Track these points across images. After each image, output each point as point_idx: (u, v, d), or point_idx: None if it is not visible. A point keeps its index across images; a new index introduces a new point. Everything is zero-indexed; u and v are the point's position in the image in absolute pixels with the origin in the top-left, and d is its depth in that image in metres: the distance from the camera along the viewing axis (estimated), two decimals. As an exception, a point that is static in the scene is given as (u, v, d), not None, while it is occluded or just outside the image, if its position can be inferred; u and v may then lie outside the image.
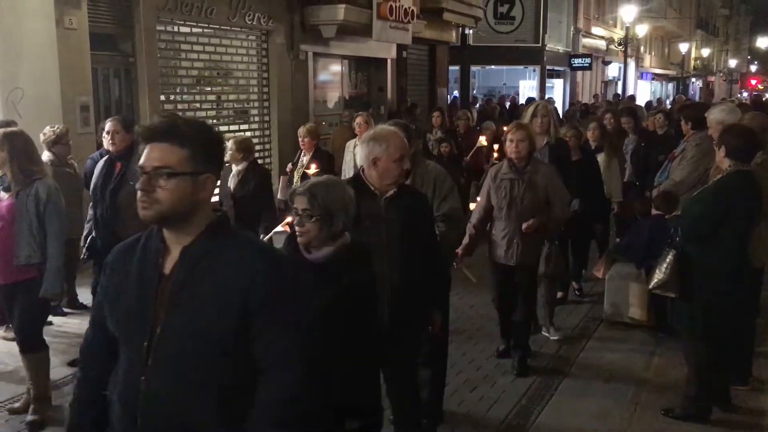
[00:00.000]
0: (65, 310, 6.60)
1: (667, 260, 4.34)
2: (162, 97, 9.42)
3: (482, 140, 8.66)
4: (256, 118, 11.55)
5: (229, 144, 6.16)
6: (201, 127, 2.06)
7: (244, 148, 6.29)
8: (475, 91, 24.90)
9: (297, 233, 2.77)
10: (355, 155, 7.58)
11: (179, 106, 9.95)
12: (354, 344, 2.71)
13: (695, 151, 5.62)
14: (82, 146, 7.47)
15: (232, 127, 10.97)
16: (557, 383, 5.09)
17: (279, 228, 5.08)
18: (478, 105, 19.23)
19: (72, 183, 6.55)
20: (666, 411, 4.60)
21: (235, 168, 6.27)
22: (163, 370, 1.95)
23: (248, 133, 11.24)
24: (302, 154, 7.47)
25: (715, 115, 5.40)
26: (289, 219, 4.90)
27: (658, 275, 4.39)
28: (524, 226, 4.96)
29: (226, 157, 5.97)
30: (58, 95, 7.59)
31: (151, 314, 1.96)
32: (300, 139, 7.44)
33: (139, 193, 1.94)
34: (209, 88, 10.62)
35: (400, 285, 3.44)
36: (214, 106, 10.71)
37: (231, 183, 6.22)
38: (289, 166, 7.73)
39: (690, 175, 5.55)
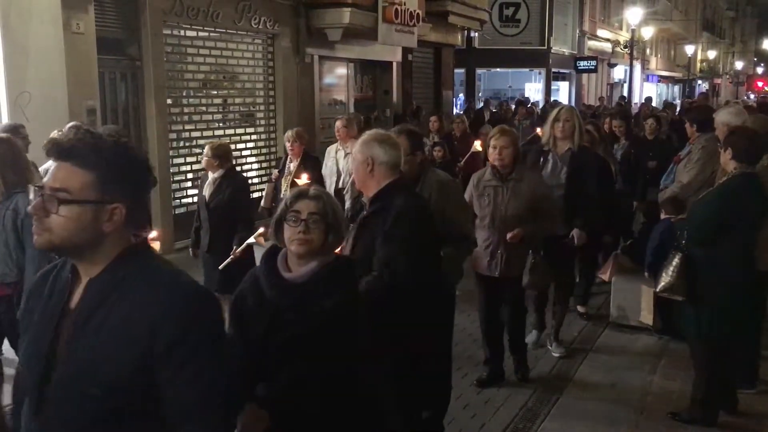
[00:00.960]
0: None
1: (674, 263, 4.34)
2: (168, 101, 9.45)
3: (477, 145, 8.33)
4: (262, 122, 11.58)
5: (205, 150, 5.88)
6: (116, 147, 1.71)
7: (221, 154, 5.87)
8: (480, 94, 24.90)
9: (298, 241, 2.48)
10: (338, 161, 7.52)
11: (185, 110, 9.98)
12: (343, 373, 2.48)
13: (701, 154, 5.61)
14: (89, 150, 7.50)
15: (238, 131, 11.01)
16: (563, 387, 5.08)
17: (251, 239, 4.90)
18: (493, 107, 19.04)
19: (285, 160, 7.06)
20: (673, 414, 4.59)
21: (210, 175, 5.93)
22: (55, 424, 1.69)
23: (254, 137, 11.30)
24: (289, 160, 7.07)
25: (722, 117, 5.40)
26: (261, 230, 4.70)
27: (665, 278, 4.38)
28: (509, 236, 4.70)
29: (202, 164, 5.76)
30: (65, 99, 7.62)
31: (44, 354, 1.70)
32: (287, 144, 7.02)
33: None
34: (215, 92, 10.65)
35: None
36: (221, 110, 10.74)
37: (206, 191, 5.87)
38: (275, 172, 7.31)
39: (696, 178, 5.54)
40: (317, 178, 6.70)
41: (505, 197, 4.79)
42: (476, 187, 4.94)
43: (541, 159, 5.44)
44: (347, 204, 7.15)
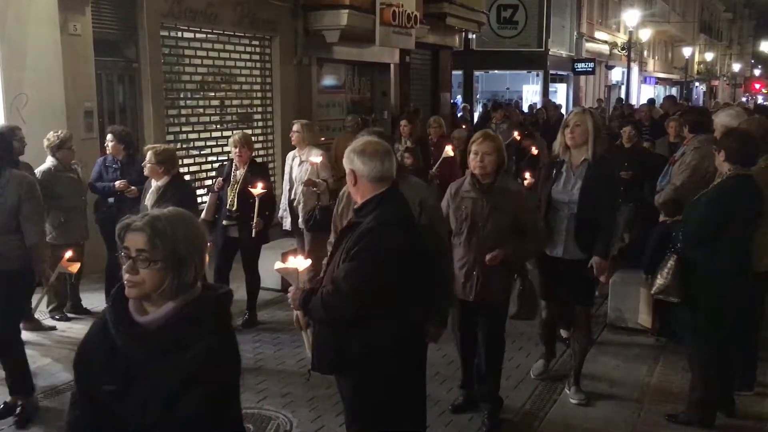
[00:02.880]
0: (69, 315, 6.62)
1: (669, 265, 4.34)
2: (166, 103, 9.44)
3: (448, 150, 7.66)
4: (260, 123, 11.57)
5: (147, 156, 5.47)
6: None
7: (166, 159, 5.46)
8: (478, 96, 24.91)
9: (126, 284, 2.02)
10: (292, 169, 7.06)
11: (183, 111, 9.97)
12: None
13: (694, 155, 5.61)
14: (85, 151, 7.50)
15: (236, 132, 10.98)
16: (561, 388, 5.07)
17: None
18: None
19: (75, 188, 6.57)
20: (670, 417, 4.60)
21: (154, 183, 5.51)
22: None
23: (251, 138, 11.24)
24: (235, 167, 6.36)
25: (720, 119, 5.40)
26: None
27: (660, 280, 4.38)
28: (487, 258, 4.16)
29: (145, 171, 5.47)
30: (62, 101, 7.61)
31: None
32: (233, 150, 6.30)
33: None
34: (213, 94, 10.63)
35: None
36: (218, 111, 10.73)
37: (148, 201, 5.46)
38: (219, 181, 6.46)
39: (690, 179, 5.53)
40: (269, 188, 6.29)
41: (485, 211, 4.22)
42: (453, 198, 4.37)
43: (554, 171, 4.74)
44: (300, 217, 6.80)
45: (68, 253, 4.47)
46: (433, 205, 3.88)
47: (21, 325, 6.21)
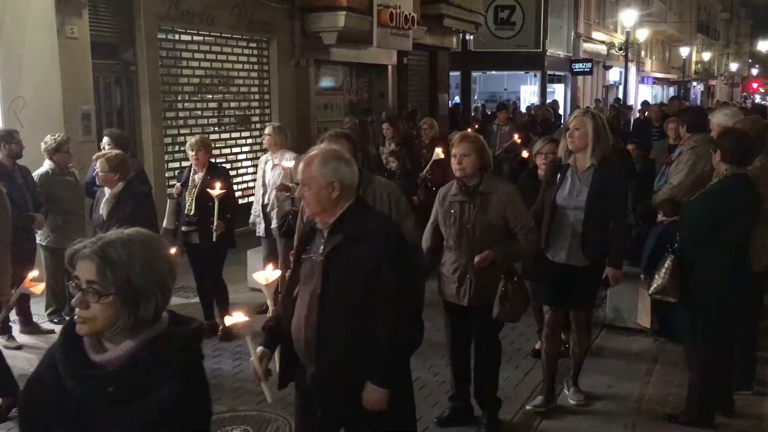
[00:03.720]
0: (68, 318, 6.60)
1: (666, 265, 4.34)
2: (163, 105, 9.44)
3: (438, 152, 7.41)
4: (258, 126, 11.55)
5: (99, 163, 5.22)
6: None
7: (119, 165, 5.19)
8: (476, 97, 24.91)
9: (76, 319, 1.77)
10: (265, 173, 6.89)
11: (180, 114, 9.97)
12: None
13: (690, 155, 5.63)
14: (83, 155, 7.49)
15: (234, 135, 11.00)
16: (560, 389, 5.07)
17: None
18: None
19: (73, 191, 6.58)
20: (669, 417, 4.60)
21: (108, 191, 5.27)
22: None
23: (249, 141, 11.28)
24: (193, 171, 6.14)
25: (717, 118, 5.42)
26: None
27: (657, 280, 4.38)
28: (476, 259, 4.08)
29: (98, 181, 5.25)
30: (59, 104, 7.61)
31: None
32: (190, 153, 6.08)
33: None
34: (210, 96, 10.63)
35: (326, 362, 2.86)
36: (216, 114, 10.72)
37: (102, 210, 5.22)
38: (177, 186, 6.26)
39: (686, 179, 5.54)
40: (230, 191, 6.11)
41: (473, 214, 4.17)
42: (441, 203, 4.35)
43: (558, 176, 4.58)
44: (273, 223, 6.59)
45: (33, 273, 4.17)
46: (406, 207, 3.86)
47: (18, 329, 6.25)
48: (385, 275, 2.77)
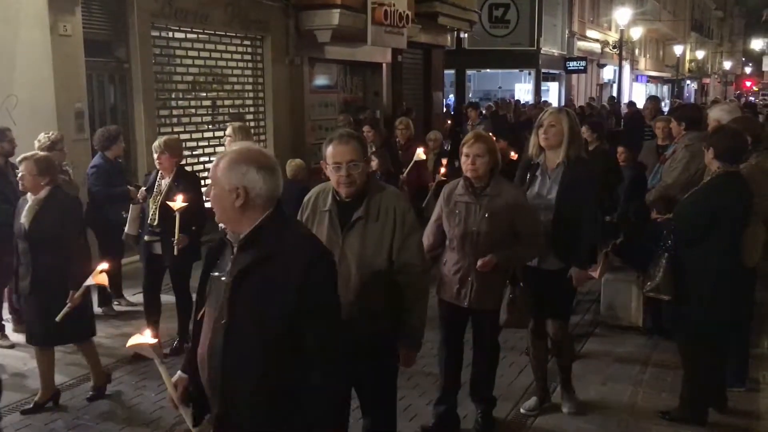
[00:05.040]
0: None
1: (660, 263, 4.35)
2: (157, 103, 9.41)
3: (420, 153, 7.21)
4: (252, 124, 11.53)
5: (23, 166, 4.64)
6: None
7: (46, 168, 4.63)
8: (471, 95, 24.94)
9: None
10: None
11: (174, 112, 9.94)
12: None
13: (684, 153, 5.64)
14: (76, 152, 7.47)
15: (228, 132, 10.96)
16: (553, 387, 5.07)
17: (90, 280, 4.24)
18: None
19: (67, 189, 6.54)
20: (663, 414, 4.61)
21: (31, 198, 4.68)
22: None
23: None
24: (160, 176, 5.70)
25: (714, 113, 5.44)
26: (105, 266, 4.12)
27: (652, 278, 4.39)
28: (479, 262, 3.98)
29: (22, 185, 4.74)
30: (52, 102, 7.58)
31: None
32: (155, 157, 5.64)
33: None
34: (204, 94, 10.60)
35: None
36: (209, 112, 10.69)
37: (24, 218, 4.64)
38: (142, 191, 5.89)
39: (680, 177, 5.56)
40: (195, 199, 5.47)
41: (478, 215, 4.06)
42: (447, 202, 4.20)
43: (528, 174, 4.51)
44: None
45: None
46: (412, 224, 3.39)
47: (11, 328, 6.23)
48: (309, 309, 2.28)
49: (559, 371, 4.80)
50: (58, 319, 4.42)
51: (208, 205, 3.01)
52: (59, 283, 4.52)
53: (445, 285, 4.24)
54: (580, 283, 4.48)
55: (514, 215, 4.06)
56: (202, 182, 6.91)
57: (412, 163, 7.33)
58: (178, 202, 5.18)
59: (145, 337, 2.56)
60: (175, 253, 5.44)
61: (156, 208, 5.60)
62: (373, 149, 8.00)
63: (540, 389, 4.79)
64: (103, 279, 4.24)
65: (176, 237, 5.35)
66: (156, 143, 5.65)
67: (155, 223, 5.63)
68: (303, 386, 2.31)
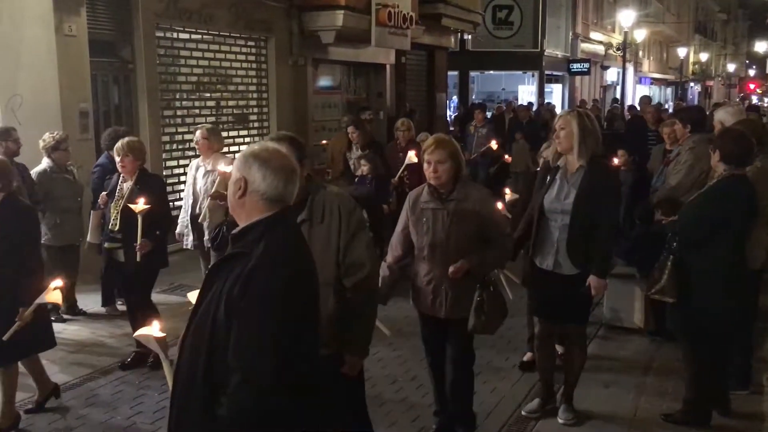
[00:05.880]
0: (65, 316, 6.60)
1: (665, 265, 4.35)
2: (161, 104, 9.43)
3: (411, 156, 6.88)
4: (255, 124, 11.57)
5: None
6: None
7: (2, 174, 4.36)
8: (474, 97, 24.93)
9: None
10: (196, 180, 6.37)
11: (178, 112, 9.96)
12: None
13: (688, 155, 5.64)
14: (81, 152, 7.49)
15: (232, 133, 10.98)
16: (556, 389, 5.07)
17: (43, 298, 4.05)
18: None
19: (71, 189, 6.57)
20: (666, 416, 4.61)
21: None
22: None
23: (247, 140, 11.27)
24: (122, 179, 5.44)
25: (719, 115, 5.43)
26: (59, 282, 3.91)
27: (656, 281, 4.39)
28: (450, 270, 3.86)
29: None
30: (57, 102, 7.59)
31: None
32: (118, 159, 5.36)
33: None
34: (208, 94, 10.62)
35: None
36: (213, 112, 10.71)
37: None
38: (102, 196, 5.64)
39: (685, 179, 5.55)
40: (159, 202, 5.30)
41: (446, 222, 3.93)
42: (412, 209, 4.05)
43: (548, 178, 4.43)
44: (206, 235, 6.14)
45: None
46: (358, 222, 3.23)
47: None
48: (236, 319, 2.17)
49: (567, 376, 4.69)
50: (5, 338, 4.15)
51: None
52: (10, 298, 4.21)
53: (419, 296, 4.09)
54: (599, 291, 4.33)
55: (481, 218, 3.95)
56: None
57: (404, 166, 7.12)
58: (140, 205, 5.02)
59: (153, 329, 2.56)
60: (138, 259, 5.19)
61: (118, 213, 5.32)
62: (359, 151, 7.90)
63: (545, 391, 4.72)
64: (57, 297, 4.03)
65: (139, 242, 5.13)
66: (118, 145, 5.37)
67: (116, 228, 5.34)
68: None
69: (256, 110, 11.56)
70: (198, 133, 6.40)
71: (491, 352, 5.68)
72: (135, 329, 5.31)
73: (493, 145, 10.30)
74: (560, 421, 4.61)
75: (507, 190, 5.89)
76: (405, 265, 4.18)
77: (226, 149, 10.77)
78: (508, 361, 5.66)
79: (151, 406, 4.90)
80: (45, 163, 6.41)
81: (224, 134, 10.67)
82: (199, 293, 2.37)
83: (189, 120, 10.12)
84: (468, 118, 14.63)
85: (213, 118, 10.63)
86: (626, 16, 27.68)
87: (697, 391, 4.48)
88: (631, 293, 6.22)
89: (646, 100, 15.69)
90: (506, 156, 8.04)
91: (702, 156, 5.37)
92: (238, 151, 11.07)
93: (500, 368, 5.52)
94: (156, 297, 5.92)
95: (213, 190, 5.69)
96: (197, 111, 10.35)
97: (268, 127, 11.69)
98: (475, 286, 3.99)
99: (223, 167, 5.66)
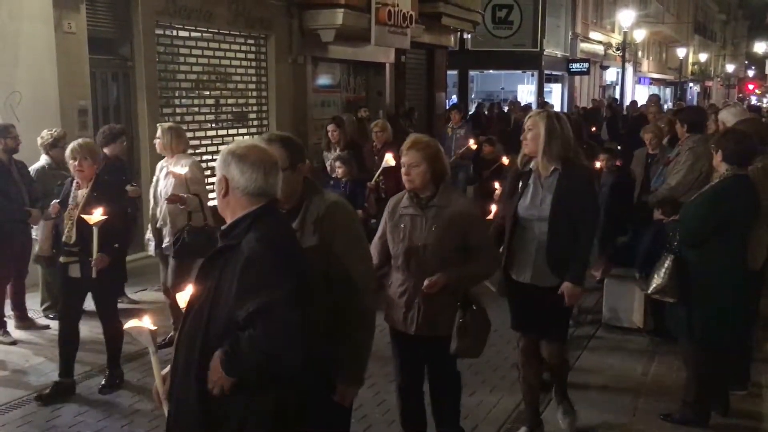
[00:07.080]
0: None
1: (666, 265, 4.34)
2: (160, 101, 9.41)
3: (389, 159, 6.47)
4: (255, 123, 11.55)
5: None
6: None
7: None
8: (473, 96, 24.95)
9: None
10: (158, 182, 5.93)
11: (177, 110, 9.93)
12: None
13: (688, 155, 5.64)
14: (80, 150, 7.45)
15: (231, 131, 10.97)
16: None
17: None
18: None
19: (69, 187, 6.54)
20: (665, 416, 4.61)
21: None
22: None
23: (246, 138, 11.25)
24: (75, 185, 4.94)
25: (721, 115, 5.44)
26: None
27: (657, 280, 4.38)
28: (426, 282, 3.52)
29: None
30: (56, 99, 7.58)
31: None
32: (75, 163, 4.82)
33: None
34: (208, 93, 10.60)
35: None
36: (213, 110, 10.69)
37: None
38: (54, 204, 5.16)
39: (685, 179, 5.56)
40: (119, 212, 4.88)
41: (424, 230, 3.61)
42: (391, 215, 3.76)
43: (520, 183, 4.12)
44: (165, 240, 5.74)
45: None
46: (356, 238, 3.00)
47: (14, 324, 6.23)
48: (233, 307, 2.27)
49: (554, 386, 4.52)
50: None
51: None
52: None
53: (391, 310, 3.74)
54: (573, 300, 4.03)
55: (464, 227, 3.62)
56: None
57: (380, 170, 6.67)
58: (96, 215, 4.53)
59: (144, 322, 2.56)
60: (94, 275, 4.73)
61: (72, 224, 4.80)
62: (337, 152, 7.50)
63: (530, 416, 4.38)
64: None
65: (95, 256, 4.66)
66: (74, 146, 4.84)
67: (72, 241, 4.83)
68: None
69: (255, 108, 11.55)
70: (157, 131, 5.93)
71: (490, 351, 5.62)
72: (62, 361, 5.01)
73: (472, 145, 9.88)
74: (562, 426, 4.45)
75: (496, 184, 5.85)
76: (382, 275, 3.79)
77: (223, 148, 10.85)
78: (507, 360, 5.64)
79: (150, 404, 4.87)
80: (43, 160, 6.39)
81: (223, 132, 10.71)
82: (192, 292, 2.44)
83: (188, 118, 10.10)
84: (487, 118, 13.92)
85: (212, 116, 10.63)
86: (626, 16, 27.71)
87: (697, 391, 4.48)
88: (630, 293, 6.22)
89: (654, 98, 15.26)
90: (504, 158, 7.73)
91: (701, 156, 5.37)
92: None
93: (498, 366, 5.51)
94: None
95: (170, 194, 5.59)
96: (196, 109, 10.33)
97: (268, 126, 11.67)
98: (452, 302, 3.63)
99: (177, 169, 5.53)
